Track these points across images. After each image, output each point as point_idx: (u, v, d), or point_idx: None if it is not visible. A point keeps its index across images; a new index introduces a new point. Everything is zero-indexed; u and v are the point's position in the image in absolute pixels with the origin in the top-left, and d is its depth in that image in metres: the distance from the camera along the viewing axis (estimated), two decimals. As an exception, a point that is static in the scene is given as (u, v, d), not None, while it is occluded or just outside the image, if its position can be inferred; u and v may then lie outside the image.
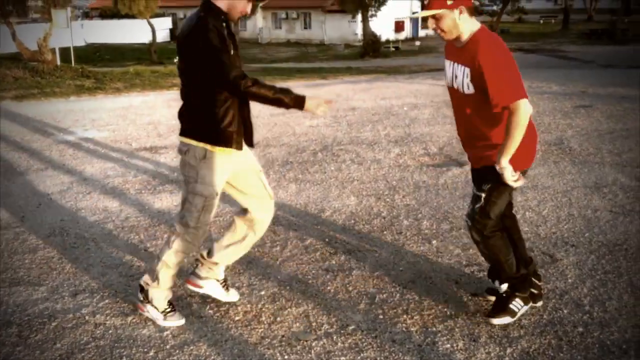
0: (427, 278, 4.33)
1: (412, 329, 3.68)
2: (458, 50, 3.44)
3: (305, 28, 52.94)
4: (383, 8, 42.09)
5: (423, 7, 3.41)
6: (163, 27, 51.41)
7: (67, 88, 16.62)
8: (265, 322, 3.80)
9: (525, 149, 3.39)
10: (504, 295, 3.72)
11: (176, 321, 3.81)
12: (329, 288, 4.23)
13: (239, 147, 3.59)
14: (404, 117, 10.34)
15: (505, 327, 3.65)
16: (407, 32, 53.18)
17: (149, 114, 11.65)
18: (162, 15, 51.68)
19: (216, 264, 3.94)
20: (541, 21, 62.63)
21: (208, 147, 3.53)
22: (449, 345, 3.50)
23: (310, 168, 7.26)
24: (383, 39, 43.36)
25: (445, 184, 6.46)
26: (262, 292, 4.18)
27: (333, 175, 6.95)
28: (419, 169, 7.09)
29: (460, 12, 3.32)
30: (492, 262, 3.77)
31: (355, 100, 12.91)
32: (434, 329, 3.67)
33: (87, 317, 3.90)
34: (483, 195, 3.53)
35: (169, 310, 3.81)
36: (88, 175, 7.24)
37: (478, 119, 3.46)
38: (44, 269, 4.64)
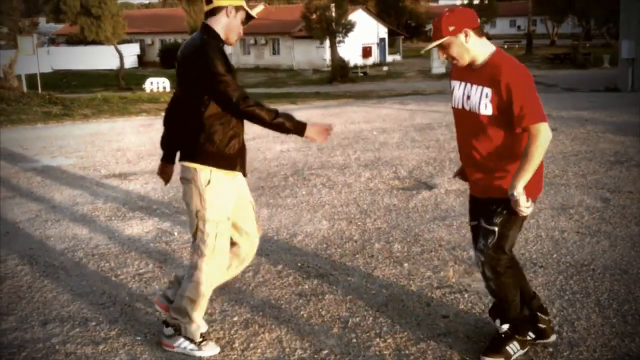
0: (399, 301, 4.36)
1: (385, 352, 3.69)
2: (473, 71, 3.36)
3: (273, 54, 53.30)
4: (350, 34, 42.61)
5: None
6: (131, 53, 51.33)
7: (34, 115, 16.46)
8: (238, 349, 3.78)
9: (536, 177, 3.32)
10: (503, 335, 3.60)
11: (212, 350, 3.73)
12: (302, 313, 4.23)
13: (244, 171, 3.61)
14: (374, 141, 10.43)
15: (477, 348, 3.69)
16: (374, 58, 53.81)
17: (118, 140, 11.59)
18: (130, 41, 51.61)
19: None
20: (505, 46, 63.68)
21: (213, 169, 3.51)
22: (422, 368, 3.52)
23: (282, 193, 7.28)
24: (351, 64, 43.84)
25: (415, 207, 6.52)
26: (235, 318, 4.17)
27: (304, 199, 6.98)
28: (390, 193, 7.15)
29: (466, 36, 3.26)
30: (498, 300, 3.62)
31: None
32: (407, 351, 3.69)
33: (57, 347, 3.85)
34: (496, 229, 3.40)
35: (202, 340, 3.73)
36: (56, 203, 7.17)
37: (490, 143, 3.36)
38: (13, 298, 4.57)
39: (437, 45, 3.32)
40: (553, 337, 3.75)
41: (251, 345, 3.81)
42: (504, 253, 3.45)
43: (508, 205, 3.31)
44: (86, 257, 5.40)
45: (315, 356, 3.67)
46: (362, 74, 44.33)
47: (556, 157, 8.63)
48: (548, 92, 23.12)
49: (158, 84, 29.48)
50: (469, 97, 3.36)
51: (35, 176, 8.58)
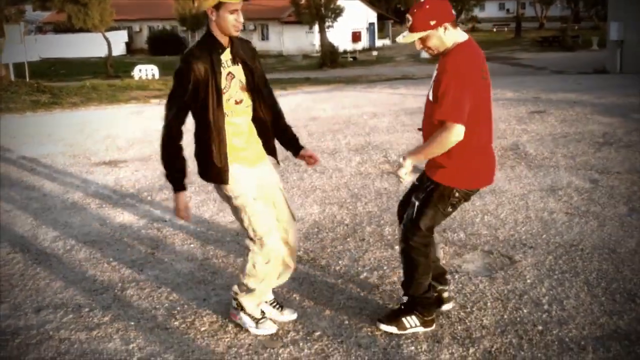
0: (391, 283, 4.39)
1: (377, 333, 3.73)
2: (441, 58, 3.46)
3: (263, 39, 53.00)
4: (339, 19, 42.44)
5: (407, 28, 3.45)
6: (119, 41, 50.91)
7: (22, 103, 16.37)
8: (231, 332, 3.81)
9: (468, 169, 3.46)
10: (402, 307, 3.74)
11: (268, 329, 3.78)
12: (294, 296, 4.26)
13: (225, 181, 3.55)
14: (364, 126, 10.44)
15: (467, 328, 3.74)
16: (364, 43, 53.67)
17: (107, 128, 11.54)
18: (118, 28, 51.18)
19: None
20: (494, 29, 63.78)
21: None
22: (413, 348, 3.56)
23: (272, 178, 7.28)
24: (340, 49, 43.71)
25: (405, 190, 6.54)
26: (228, 302, 4.19)
27: (295, 184, 7.00)
28: (380, 177, 7.18)
29: (445, 29, 3.35)
30: (405, 273, 3.73)
31: (315, 110, 13.00)
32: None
33: (51, 333, 3.87)
34: (417, 203, 3.56)
35: (261, 318, 3.79)
36: (47, 191, 7.16)
37: (436, 127, 3.45)
38: (5, 286, 4.58)
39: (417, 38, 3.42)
40: (449, 305, 3.93)
41: (244, 328, 3.84)
42: (419, 229, 3.56)
43: (434, 186, 3.50)
44: (78, 245, 5.40)
45: (308, 338, 3.71)
46: (351, 59, 44.23)
47: (545, 139, 8.68)
48: (537, 74, 23.20)
49: (147, 72, 29.32)
50: (431, 85, 3.50)
51: (25, 165, 8.56)
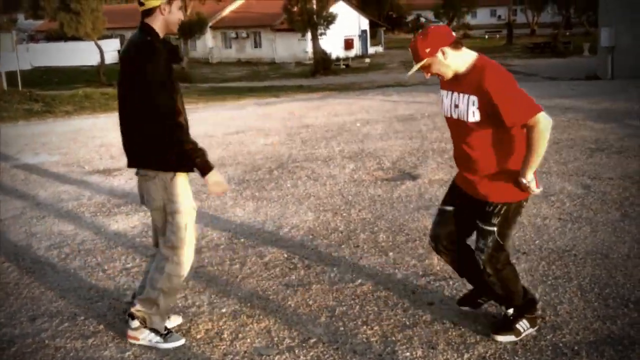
0: (385, 289, 4.41)
1: (372, 340, 3.75)
2: (458, 80, 3.44)
3: (255, 47, 53.14)
4: (332, 26, 42.57)
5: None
6: (111, 49, 50.86)
7: (15, 112, 16.35)
8: (227, 339, 3.82)
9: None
10: (511, 317, 3.75)
11: (177, 341, 3.76)
12: (289, 303, 4.28)
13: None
14: (357, 133, 10.48)
15: (461, 334, 3.76)
16: (356, 50, 53.81)
17: (101, 137, 11.55)
18: (110, 36, 51.16)
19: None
20: (486, 36, 64.13)
21: (173, 174, 3.54)
22: (408, 354, 3.58)
23: (267, 185, 7.31)
24: (333, 56, 43.82)
25: (399, 197, 6.59)
26: (224, 310, 4.21)
27: (290, 192, 7.02)
28: (374, 184, 7.21)
29: (444, 54, 3.37)
30: (503, 292, 3.74)
31: (308, 117, 13.03)
32: (394, 338, 3.75)
33: (46, 341, 3.87)
34: (495, 229, 3.54)
35: (167, 333, 3.77)
36: (41, 200, 7.15)
37: (481, 148, 3.45)
38: (0, 295, 4.58)
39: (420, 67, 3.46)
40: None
41: (240, 335, 3.85)
42: (504, 250, 3.62)
43: (506, 207, 3.51)
44: (72, 253, 5.41)
45: (304, 345, 3.72)
46: (344, 66, 44.36)
47: (538, 145, 8.72)
48: (528, 81, 23.30)
49: (140, 79, 29.29)
50: (457, 106, 3.47)
51: (19, 174, 8.55)
